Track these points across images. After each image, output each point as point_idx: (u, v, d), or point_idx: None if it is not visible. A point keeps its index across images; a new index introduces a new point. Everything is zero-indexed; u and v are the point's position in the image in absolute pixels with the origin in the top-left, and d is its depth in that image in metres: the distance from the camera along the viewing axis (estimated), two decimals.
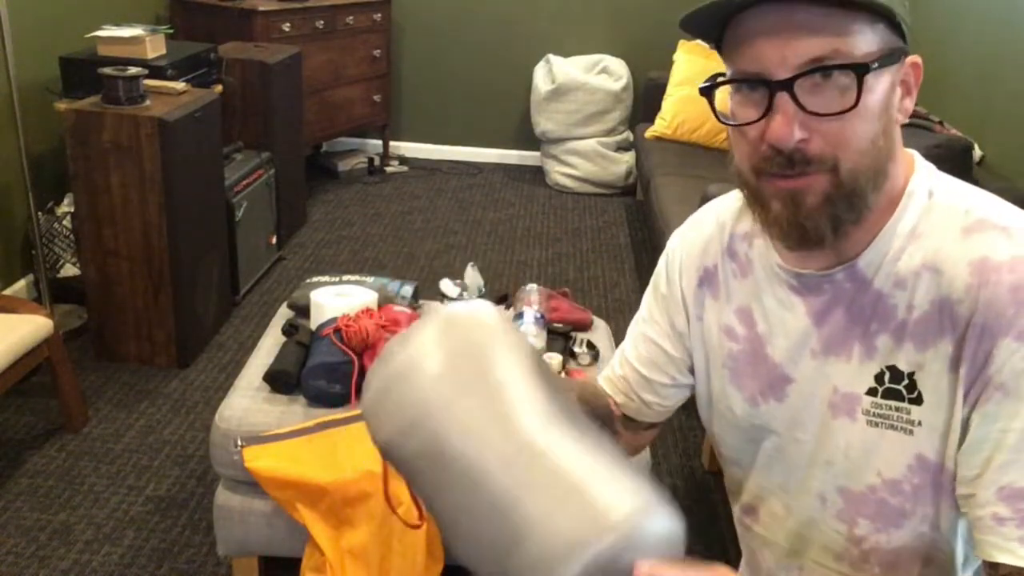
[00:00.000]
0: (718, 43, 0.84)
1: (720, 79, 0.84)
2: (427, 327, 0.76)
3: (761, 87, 0.79)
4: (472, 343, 0.75)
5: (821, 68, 0.77)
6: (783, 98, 0.78)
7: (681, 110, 4.25)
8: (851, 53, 0.77)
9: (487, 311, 0.78)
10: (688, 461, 2.58)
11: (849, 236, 0.84)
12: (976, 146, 3.07)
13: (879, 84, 0.79)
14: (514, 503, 0.68)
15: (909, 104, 0.84)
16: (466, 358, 0.74)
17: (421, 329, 0.76)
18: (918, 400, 0.83)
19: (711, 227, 1.03)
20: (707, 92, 0.85)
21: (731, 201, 1.02)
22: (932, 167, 0.89)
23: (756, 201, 0.85)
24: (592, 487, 0.69)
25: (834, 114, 0.77)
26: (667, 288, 1.08)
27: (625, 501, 0.69)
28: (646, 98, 4.62)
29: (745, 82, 0.80)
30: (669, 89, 4.37)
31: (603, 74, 4.76)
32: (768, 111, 0.79)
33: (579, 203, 4.64)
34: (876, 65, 0.78)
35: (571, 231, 4.26)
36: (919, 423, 0.83)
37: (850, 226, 0.83)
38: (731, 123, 0.83)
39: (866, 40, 0.78)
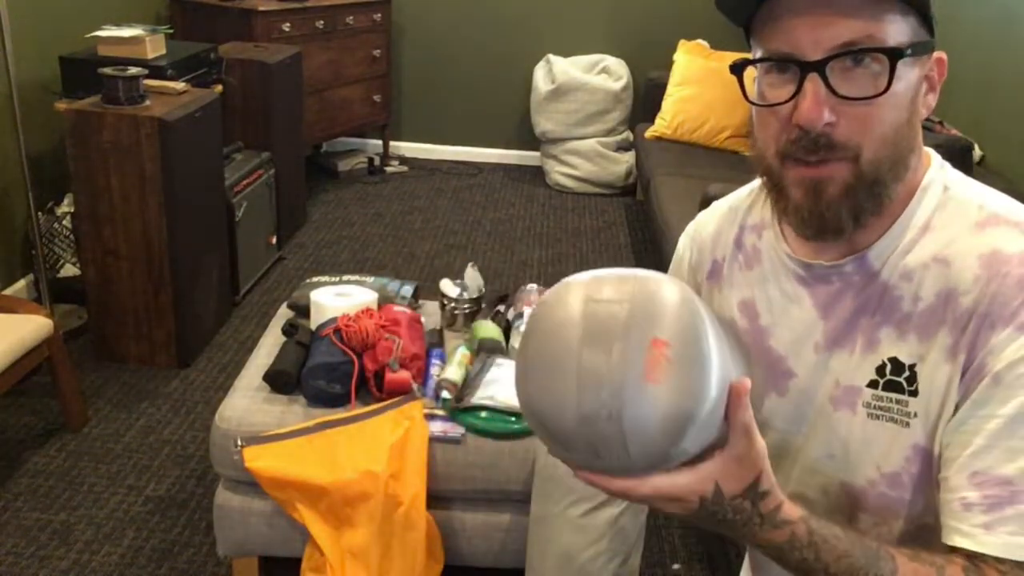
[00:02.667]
0: (747, 24, 0.84)
1: (753, 59, 0.84)
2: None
3: (792, 68, 0.79)
4: None
5: (854, 51, 0.77)
6: (814, 79, 0.78)
7: (681, 110, 4.25)
8: (884, 40, 0.77)
9: None
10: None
11: (866, 226, 0.84)
12: (976, 146, 3.07)
13: (909, 73, 0.80)
14: None
15: (932, 99, 0.85)
16: None
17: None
18: (916, 392, 0.84)
19: (724, 219, 1.03)
20: (738, 71, 0.85)
21: (744, 194, 1.02)
22: (947, 164, 0.89)
23: (776, 188, 0.85)
24: None
25: (863, 99, 0.78)
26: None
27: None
28: (646, 98, 4.62)
29: (777, 62, 0.81)
30: (669, 89, 4.37)
31: (603, 74, 4.76)
32: (798, 92, 0.79)
33: (579, 203, 4.64)
34: (909, 52, 0.78)
35: (571, 231, 4.26)
36: (915, 415, 0.84)
37: (871, 216, 0.83)
38: (760, 104, 0.83)
39: (898, 29, 0.78)
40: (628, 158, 4.75)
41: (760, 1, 0.81)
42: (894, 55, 0.77)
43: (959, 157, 2.71)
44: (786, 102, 0.80)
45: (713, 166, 3.90)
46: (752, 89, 0.84)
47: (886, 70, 0.77)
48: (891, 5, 0.78)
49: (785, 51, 0.79)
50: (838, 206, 0.81)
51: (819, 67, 0.77)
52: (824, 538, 0.77)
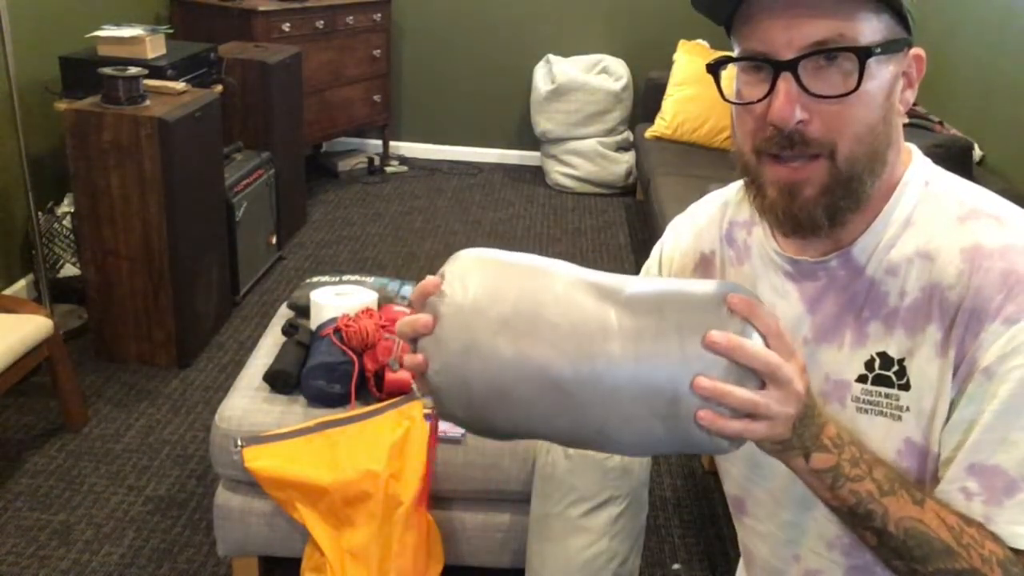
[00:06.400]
0: (728, 23, 0.85)
1: (728, 58, 0.85)
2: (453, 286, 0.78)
3: (766, 67, 0.80)
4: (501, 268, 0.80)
5: (825, 50, 0.78)
6: (786, 78, 0.79)
7: (681, 110, 4.25)
8: (855, 38, 0.78)
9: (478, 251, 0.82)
10: (688, 461, 2.58)
11: (846, 223, 0.85)
12: (976, 146, 3.07)
13: (881, 71, 0.80)
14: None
15: (910, 96, 0.85)
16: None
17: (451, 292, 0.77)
18: (907, 386, 0.84)
19: (712, 212, 1.04)
20: (714, 70, 0.86)
21: (734, 190, 1.03)
22: (929, 160, 0.90)
23: (754, 184, 0.86)
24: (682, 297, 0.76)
25: (835, 97, 0.78)
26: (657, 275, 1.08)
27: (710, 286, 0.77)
28: (646, 98, 4.62)
29: (751, 61, 0.82)
30: (669, 89, 4.37)
31: (603, 74, 4.76)
32: (771, 91, 0.80)
33: (579, 203, 4.65)
34: (879, 51, 0.79)
35: (571, 231, 4.26)
36: (907, 408, 0.85)
37: (848, 213, 0.84)
38: (736, 102, 0.84)
39: (871, 27, 0.79)
40: (628, 158, 4.75)
41: (737, 2, 0.81)
42: (863, 54, 0.78)
43: (959, 157, 2.71)
44: (760, 100, 0.81)
45: (713, 166, 3.90)
46: (730, 87, 0.85)
47: (857, 69, 0.78)
48: (864, 4, 0.78)
49: (759, 50, 0.80)
50: (813, 207, 0.82)
51: (791, 66, 0.78)
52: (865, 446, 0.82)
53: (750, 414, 0.71)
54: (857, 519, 0.80)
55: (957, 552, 0.77)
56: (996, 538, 0.78)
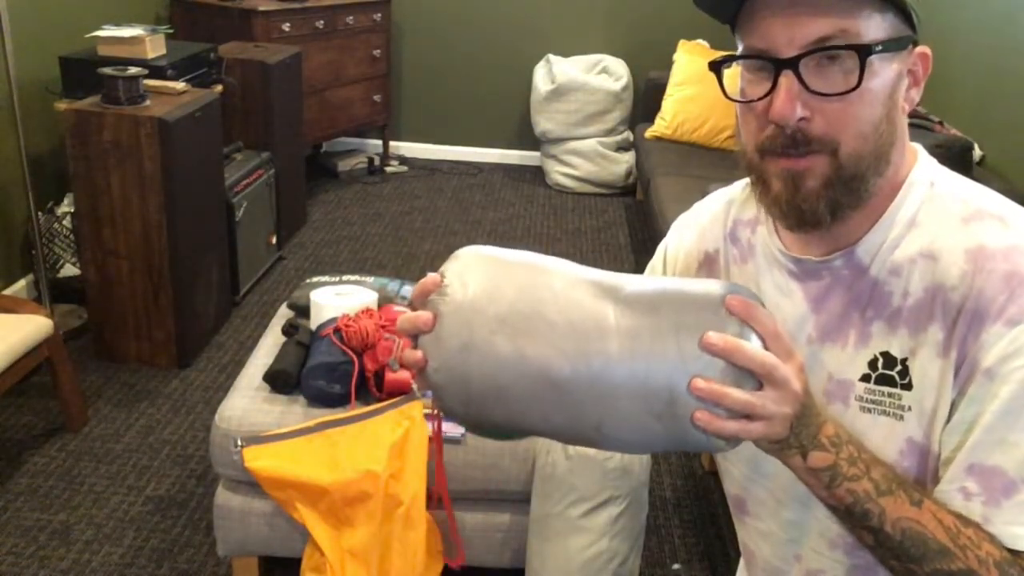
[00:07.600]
0: (732, 21, 0.85)
1: (730, 56, 0.85)
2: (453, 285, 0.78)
3: (768, 65, 0.80)
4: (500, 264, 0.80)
5: (826, 48, 0.78)
6: (788, 76, 0.79)
7: (681, 110, 4.25)
8: (858, 36, 0.78)
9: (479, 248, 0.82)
10: (688, 461, 2.58)
11: (848, 221, 0.85)
12: (976, 146, 3.07)
13: (884, 69, 0.80)
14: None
15: (915, 94, 0.85)
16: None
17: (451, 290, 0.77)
18: (909, 386, 0.84)
19: (716, 210, 1.04)
20: (716, 68, 0.86)
21: (739, 189, 1.03)
22: (934, 160, 0.90)
23: (758, 180, 0.86)
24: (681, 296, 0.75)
25: (836, 94, 0.78)
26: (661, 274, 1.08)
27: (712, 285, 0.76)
28: (646, 98, 4.62)
29: (753, 59, 0.81)
30: (669, 89, 4.37)
31: (603, 74, 4.76)
32: (773, 89, 0.80)
33: (579, 203, 4.64)
34: (880, 49, 0.78)
35: (571, 231, 4.26)
36: (909, 408, 0.85)
37: (849, 210, 0.84)
38: (738, 100, 0.84)
39: (874, 25, 0.79)
40: (628, 158, 4.75)
41: (740, 1, 0.81)
42: (864, 52, 0.77)
43: (959, 157, 2.71)
44: (762, 98, 0.81)
45: (713, 166, 3.90)
46: (735, 85, 0.85)
47: (858, 66, 0.78)
48: (867, 1, 0.78)
49: (761, 48, 0.80)
50: (816, 199, 0.82)
51: (792, 64, 0.78)
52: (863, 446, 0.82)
53: (747, 415, 0.72)
54: (854, 518, 0.80)
55: (954, 553, 0.77)
56: (994, 539, 0.78)
